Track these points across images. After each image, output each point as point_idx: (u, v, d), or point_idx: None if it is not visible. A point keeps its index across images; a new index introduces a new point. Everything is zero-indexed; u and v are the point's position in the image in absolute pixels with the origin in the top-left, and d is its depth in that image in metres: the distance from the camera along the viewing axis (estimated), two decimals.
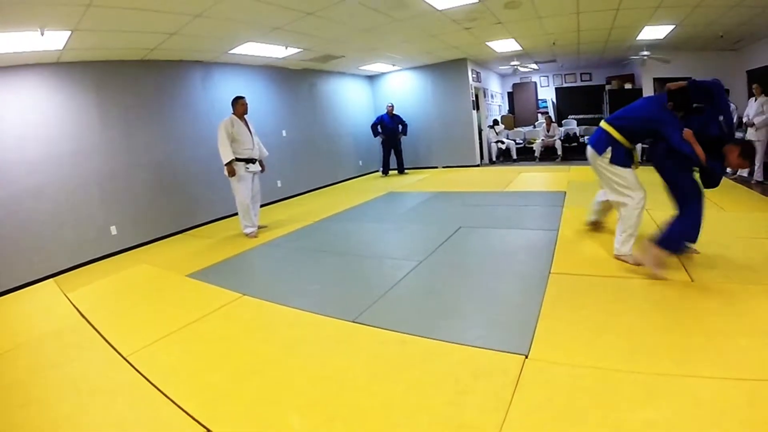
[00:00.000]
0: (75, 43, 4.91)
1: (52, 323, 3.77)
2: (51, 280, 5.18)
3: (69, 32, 4.57)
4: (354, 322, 3.07)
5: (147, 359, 2.87)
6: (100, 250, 5.87)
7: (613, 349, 2.38)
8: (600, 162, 3.70)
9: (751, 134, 7.04)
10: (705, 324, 2.54)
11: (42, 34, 4.35)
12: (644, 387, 2.02)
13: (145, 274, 4.89)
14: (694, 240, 3.52)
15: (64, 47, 4.96)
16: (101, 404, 2.43)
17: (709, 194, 5.71)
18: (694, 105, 3.41)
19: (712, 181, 3.51)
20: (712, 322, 2.56)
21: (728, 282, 3.09)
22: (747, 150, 3.26)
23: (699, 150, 3.22)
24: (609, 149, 3.62)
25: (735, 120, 7.66)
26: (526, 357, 2.38)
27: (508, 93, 15.35)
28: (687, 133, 3.27)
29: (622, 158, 3.62)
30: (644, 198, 3.61)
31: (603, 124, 3.74)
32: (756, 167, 6.85)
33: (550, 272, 3.60)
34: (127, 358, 2.90)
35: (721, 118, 3.33)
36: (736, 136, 3.79)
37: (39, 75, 5.35)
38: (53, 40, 4.67)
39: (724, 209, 5.15)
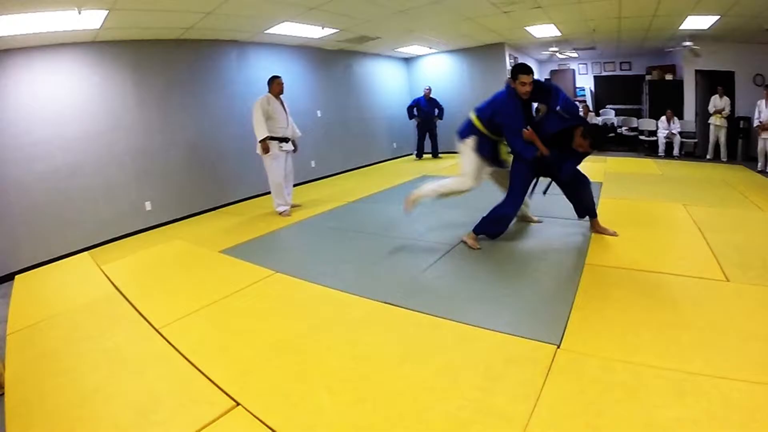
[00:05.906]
0: (112, 22, 4.91)
1: (86, 295, 3.83)
2: (86, 253, 5.28)
3: (106, 11, 4.56)
4: (386, 302, 3.04)
5: (179, 332, 2.90)
6: (134, 224, 5.96)
7: (645, 344, 2.30)
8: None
9: None
10: (739, 325, 2.43)
11: (79, 13, 4.37)
12: (675, 384, 1.95)
13: (179, 249, 4.94)
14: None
15: (101, 26, 4.97)
16: (132, 375, 2.45)
17: (748, 194, 5.60)
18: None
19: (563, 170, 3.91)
20: (745, 323, 2.45)
21: (765, 283, 2.94)
22: (588, 132, 3.62)
23: (540, 146, 3.72)
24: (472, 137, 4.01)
25: None
26: (558, 347, 2.32)
27: (546, 80, 14.99)
28: (526, 132, 3.74)
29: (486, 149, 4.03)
30: (469, 188, 4.09)
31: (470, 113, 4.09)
32: None
33: (584, 263, 3.49)
34: (160, 331, 2.93)
35: (558, 108, 3.71)
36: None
37: (76, 54, 5.40)
38: (90, 19, 4.67)
39: (762, 209, 4.94)
